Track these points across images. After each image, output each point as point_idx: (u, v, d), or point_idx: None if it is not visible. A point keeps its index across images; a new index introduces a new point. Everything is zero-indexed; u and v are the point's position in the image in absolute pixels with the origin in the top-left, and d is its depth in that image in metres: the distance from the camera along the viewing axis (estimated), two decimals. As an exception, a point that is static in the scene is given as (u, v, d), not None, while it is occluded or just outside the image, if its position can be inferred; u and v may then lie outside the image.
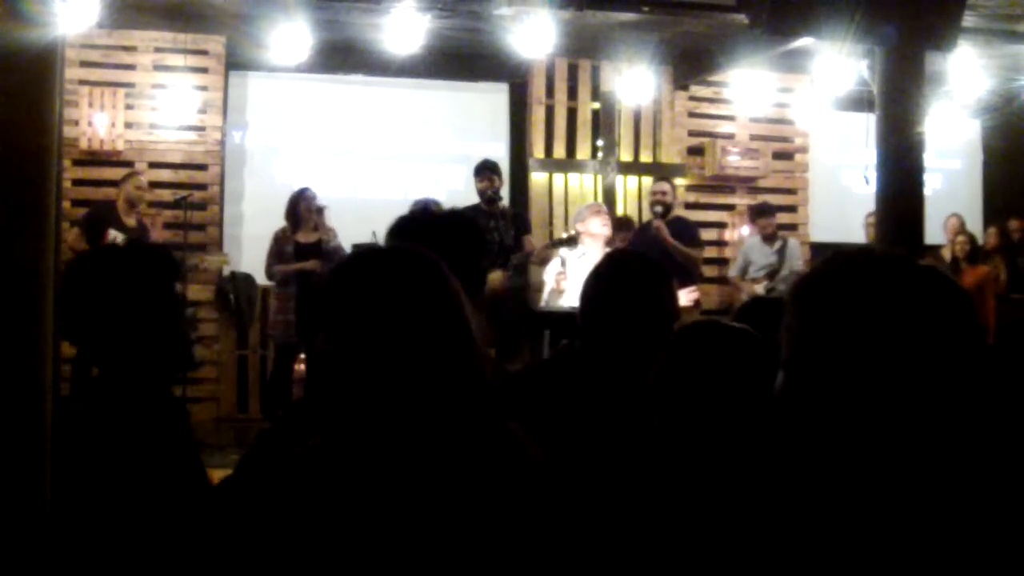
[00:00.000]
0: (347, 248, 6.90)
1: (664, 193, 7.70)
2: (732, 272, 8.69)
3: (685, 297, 6.20)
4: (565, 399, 2.17)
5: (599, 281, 2.38)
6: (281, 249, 7.33)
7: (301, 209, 7.35)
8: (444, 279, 1.41)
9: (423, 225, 1.97)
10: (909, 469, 1.14)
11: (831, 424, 1.17)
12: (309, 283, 6.98)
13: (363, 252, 1.50)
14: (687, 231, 7.57)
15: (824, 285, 1.22)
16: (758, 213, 8.57)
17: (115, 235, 7.04)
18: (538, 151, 9.02)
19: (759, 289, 8.20)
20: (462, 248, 1.91)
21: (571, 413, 2.13)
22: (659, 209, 7.57)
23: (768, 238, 8.41)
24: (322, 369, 1.40)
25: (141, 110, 8.26)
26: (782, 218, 8.92)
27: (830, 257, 1.25)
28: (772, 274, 8.23)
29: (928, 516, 1.13)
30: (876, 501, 1.14)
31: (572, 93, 9.13)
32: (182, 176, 8.33)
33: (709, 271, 8.79)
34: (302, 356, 7.21)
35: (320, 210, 7.40)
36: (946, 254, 8.78)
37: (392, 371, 1.33)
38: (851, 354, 1.16)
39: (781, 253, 8.30)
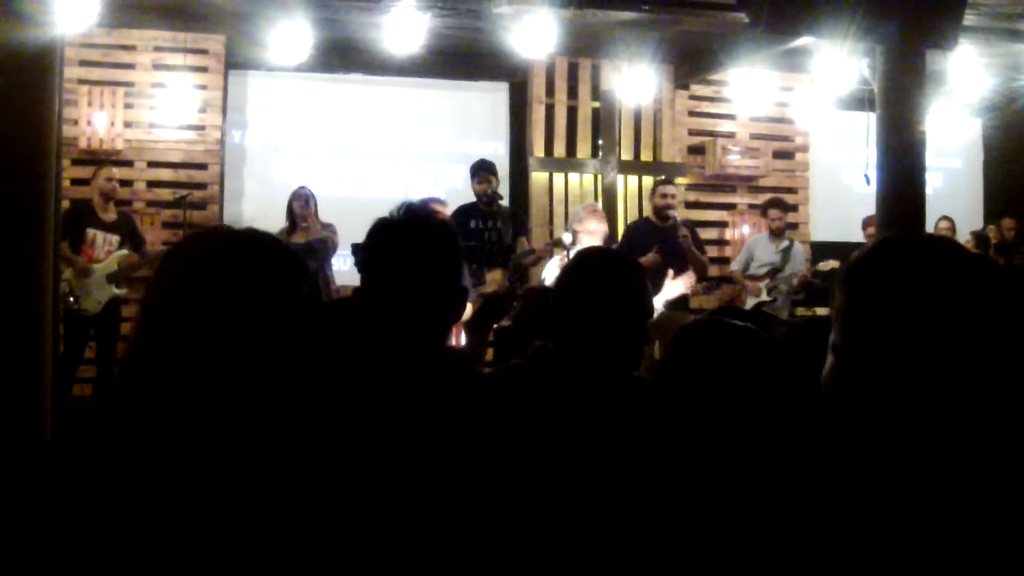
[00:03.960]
0: (346, 247, 6.90)
1: (675, 196, 7.65)
2: (734, 266, 8.66)
3: (684, 284, 6.82)
4: (543, 400, 2.16)
5: (567, 279, 2.38)
6: None
7: (294, 208, 7.32)
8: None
9: (399, 231, 1.96)
10: (971, 464, 1.11)
11: (888, 414, 1.14)
12: None
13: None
14: (694, 234, 7.50)
15: (877, 267, 1.20)
16: (771, 204, 8.49)
17: (93, 234, 7.00)
18: (538, 150, 9.01)
19: (761, 287, 8.19)
20: (435, 258, 1.91)
21: (549, 414, 2.13)
22: (675, 214, 7.48)
23: (776, 234, 8.35)
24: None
25: (140, 109, 8.25)
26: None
27: (881, 240, 1.24)
28: (773, 273, 8.20)
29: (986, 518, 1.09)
30: (935, 495, 1.11)
31: (572, 92, 9.11)
32: (181, 175, 8.33)
33: (710, 271, 8.76)
34: None
35: (306, 200, 7.30)
36: None
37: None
38: (906, 339, 1.14)
39: (786, 253, 8.25)
